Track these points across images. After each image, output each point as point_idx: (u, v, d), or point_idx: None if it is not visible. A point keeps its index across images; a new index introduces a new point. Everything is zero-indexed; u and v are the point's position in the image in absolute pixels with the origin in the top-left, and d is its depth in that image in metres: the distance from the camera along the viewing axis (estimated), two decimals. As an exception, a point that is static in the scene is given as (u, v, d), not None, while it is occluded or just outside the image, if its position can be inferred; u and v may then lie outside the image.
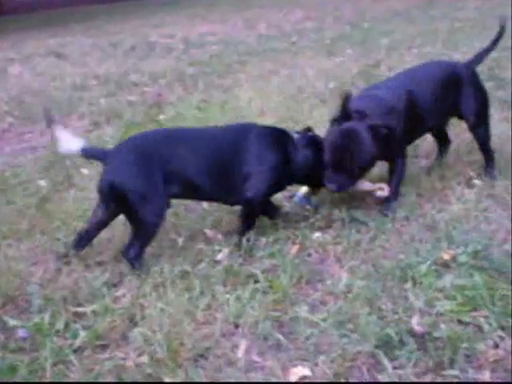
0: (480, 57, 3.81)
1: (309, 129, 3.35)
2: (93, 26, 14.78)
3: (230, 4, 17.58)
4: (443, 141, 3.92)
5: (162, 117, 5.76)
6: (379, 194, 3.30)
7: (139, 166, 2.88)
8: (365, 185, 3.32)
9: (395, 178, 3.39)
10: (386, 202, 3.34)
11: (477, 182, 3.53)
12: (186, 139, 3.06)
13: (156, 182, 2.87)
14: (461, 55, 7.02)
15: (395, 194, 3.37)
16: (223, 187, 3.06)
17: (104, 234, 3.32)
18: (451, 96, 3.56)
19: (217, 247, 3.08)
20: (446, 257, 2.76)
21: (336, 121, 3.19)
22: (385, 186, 3.31)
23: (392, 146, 3.26)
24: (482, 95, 3.67)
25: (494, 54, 6.51)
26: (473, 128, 3.67)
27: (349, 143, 3.11)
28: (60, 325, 2.56)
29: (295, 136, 3.24)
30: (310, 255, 3.02)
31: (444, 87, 3.53)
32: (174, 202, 3.68)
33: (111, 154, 2.98)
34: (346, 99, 3.13)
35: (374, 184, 3.33)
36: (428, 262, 2.72)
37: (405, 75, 3.70)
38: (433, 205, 3.32)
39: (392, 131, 3.16)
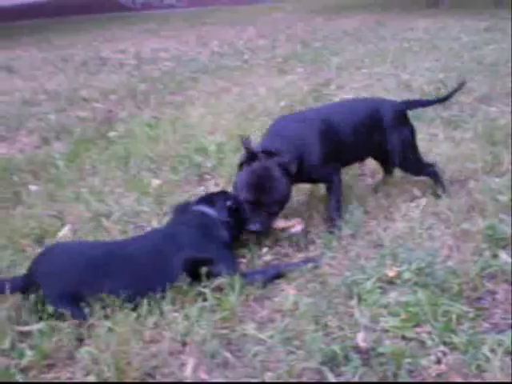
0: (417, 103, 4.01)
1: (220, 193, 3.37)
2: (43, 39, 14.61)
3: (183, 20, 17.63)
4: (386, 163, 4.00)
5: (112, 133, 5.73)
6: (294, 230, 3.33)
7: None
8: (280, 223, 3.35)
9: (333, 198, 3.46)
10: (331, 220, 3.41)
11: (421, 200, 3.62)
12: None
13: None
14: (409, 75, 7.20)
15: (337, 211, 3.44)
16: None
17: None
18: (374, 134, 3.64)
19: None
20: (391, 274, 2.82)
21: (243, 164, 3.26)
22: (299, 220, 3.35)
23: (313, 173, 3.39)
24: (406, 137, 3.72)
25: (440, 75, 6.77)
26: (401, 165, 3.77)
27: (264, 181, 3.16)
28: (6, 344, 2.52)
29: (213, 214, 3.17)
30: (258, 273, 3.04)
31: (365, 125, 3.61)
32: (123, 218, 3.70)
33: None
34: (247, 143, 3.23)
35: (287, 221, 3.37)
36: (373, 279, 2.77)
37: (327, 106, 3.97)
38: (378, 222, 3.39)
39: (303, 164, 3.26)
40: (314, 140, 3.37)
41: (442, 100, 3.99)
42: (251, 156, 3.22)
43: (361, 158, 3.80)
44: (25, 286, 2.73)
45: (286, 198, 3.25)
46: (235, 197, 3.26)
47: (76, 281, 2.70)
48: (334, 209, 3.43)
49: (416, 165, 3.74)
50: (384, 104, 3.76)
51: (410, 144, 3.72)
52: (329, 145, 3.40)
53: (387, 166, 3.99)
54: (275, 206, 3.19)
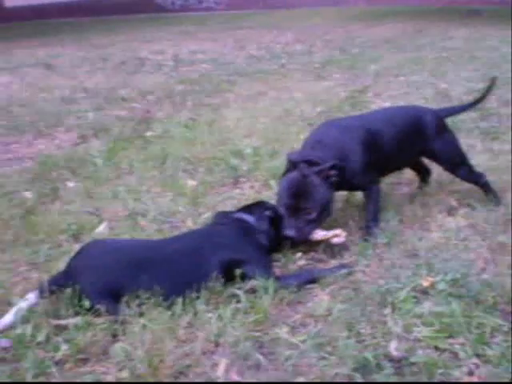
0: (454, 110, 4.00)
1: (260, 203, 3.37)
2: (83, 38, 14.83)
3: (221, 23, 17.73)
4: (422, 172, 4.01)
5: (149, 133, 5.80)
6: (335, 240, 3.20)
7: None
8: (318, 234, 3.23)
9: (371, 206, 3.45)
10: (367, 228, 3.40)
11: (458, 211, 3.60)
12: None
13: None
14: (447, 85, 7.16)
15: (375, 220, 3.43)
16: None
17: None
18: (417, 142, 3.65)
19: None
20: (425, 284, 2.80)
21: (285, 174, 3.30)
22: (340, 231, 3.25)
23: (354, 180, 3.37)
24: (451, 141, 3.74)
25: (478, 85, 6.71)
26: (452, 171, 3.78)
27: (301, 186, 3.17)
28: (41, 337, 2.56)
29: (252, 221, 3.19)
30: (292, 277, 3.04)
31: (409, 133, 3.61)
32: (159, 218, 3.74)
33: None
34: (290, 154, 3.36)
35: (328, 231, 3.25)
36: (407, 289, 2.76)
37: (370, 114, 4.00)
38: (414, 232, 3.37)
39: (342, 169, 3.24)
40: (356, 147, 3.37)
41: (476, 102, 3.95)
42: (293, 166, 3.24)
43: (401, 167, 3.79)
44: (64, 281, 2.77)
45: (325, 204, 3.22)
46: (274, 207, 3.28)
47: (113, 277, 2.74)
48: (371, 217, 3.43)
49: (466, 169, 3.74)
50: (426, 112, 3.77)
51: (457, 148, 3.74)
52: (370, 152, 3.40)
53: (424, 175, 3.99)
54: (313, 211, 3.17)
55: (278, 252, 3.27)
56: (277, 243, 3.23)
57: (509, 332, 2.48)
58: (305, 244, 3.29)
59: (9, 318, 2.67)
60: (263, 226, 3.17)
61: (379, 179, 3.55)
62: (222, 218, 3.26)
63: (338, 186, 3.32)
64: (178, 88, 8.07)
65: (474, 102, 3.96)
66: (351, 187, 3.52)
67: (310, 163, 3.23)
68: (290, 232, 3.16)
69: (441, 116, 3.75)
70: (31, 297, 2.76)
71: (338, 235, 3.21)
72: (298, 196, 3.16)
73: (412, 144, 3.62)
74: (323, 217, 3.25)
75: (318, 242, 3.27)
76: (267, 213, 3.21)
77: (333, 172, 3.19)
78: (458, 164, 3.72)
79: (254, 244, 3.07)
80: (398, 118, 3.69)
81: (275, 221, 3.20)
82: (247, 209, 3.30)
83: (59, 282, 2.78)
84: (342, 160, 3.27)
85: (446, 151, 3.69)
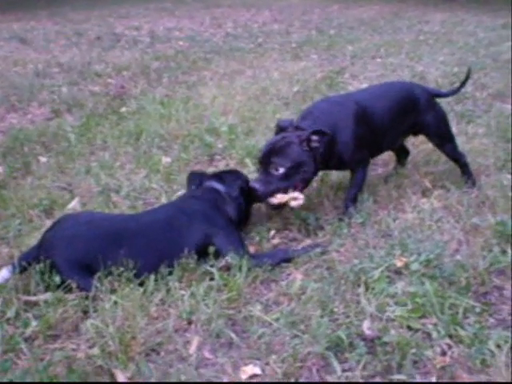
0: (439, 93, 4.05)
1: (234, 172, 3.39)
2: (58, 12, 14.59)
3: (198, 0, 17.55)
4: (401, 152, 3.99)
5: (124, 109, 5.73)
6: (293, 203, 3.19)
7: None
8: (276, 197, 3.15)
9: (353, 187, 3.43)
10: (345, 207, 3.39)
11: (432, 192, 3.60)
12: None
13: None
14: (424, 68, 7.17)
15: (353, 200, 3.42)
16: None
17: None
18: (409, 116, 3.65)
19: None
20: (399, 264, 2.81)
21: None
22: (298, 194, 3.21)
23: (345, 155, 3.34)
24: (442, 116, 3.77)
25: (454, 69, 6.74)
26: (440, 146, 3.79)
27: (277, 144, 3.15)
28: (11, 313, 2.53)
29: (223, 190, 3.19)
30: (266, 256, 3.03)
31: (401, 107, 3.61)
32: (132, 194, 3.71)
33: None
34: (281, 120, 3.38)
35: (285, 194, 3.22)
36: (381, 268, 2.76)
37: (361, 91, 4.01)
38: (388, 212, 3.37)
39: (328, 140, 3.21)
40: (347, 120, 3.35)
41: (457, 91, 3.97)
42: (280, 130, 3.26)
43: (394, 143, 3.78)
44: (36, 256, 2.72)
45: (296, 164, 3.13)
46: (248, 179, 3.27)
47: (85, 251, 2.69)
48: (351, 198, 3.41)
49: (452, 146, 3.78)
50: (417, 86, 3.84)
51: (447, 124, 3.79)
52: (363, 126, 3.38)
53: (402, 156, 3.98)
54: (281, 166, 3.11)
55: (246, 226, 3.27)
56: (246, 217, 3.25)
57: (481, 313, 2.49)
58: (267, 206, 3.29)
59: None
60: (233, 193, 3.15)
61: (369, 160, 3.52)
62: (194, 180, 3.30)
63: (327, 162, 3.29)
64: (154, 64, 7.98)
65: (454, 90, 3.98)
66: (340, 164, 3.42)
67: (298, 129, 3.23)
68: (254, 184, 3.14)
69: (431, 91, 3.83)
70: (4, 272, 2.71)
71: (295, 198, 3.16)
72: (270, 152, 3.15)
73: (404, 117, 3.62)
74: (292, 178, 3.16)
75: (278, 205, 3.18)
76: (239, 182, 3.21)
77: (314, 137, 3.14)
78: (446, 139, 3.76)
79: (224, 217, 3.06)
80: (390, 91, 3.70)
81: (246, 193, 3.19)
82: (219, 177, 3.27)
83: (32, 257, 2.73)
84: (333, 131, 3.24)
85: (437, 125, 3.72)
